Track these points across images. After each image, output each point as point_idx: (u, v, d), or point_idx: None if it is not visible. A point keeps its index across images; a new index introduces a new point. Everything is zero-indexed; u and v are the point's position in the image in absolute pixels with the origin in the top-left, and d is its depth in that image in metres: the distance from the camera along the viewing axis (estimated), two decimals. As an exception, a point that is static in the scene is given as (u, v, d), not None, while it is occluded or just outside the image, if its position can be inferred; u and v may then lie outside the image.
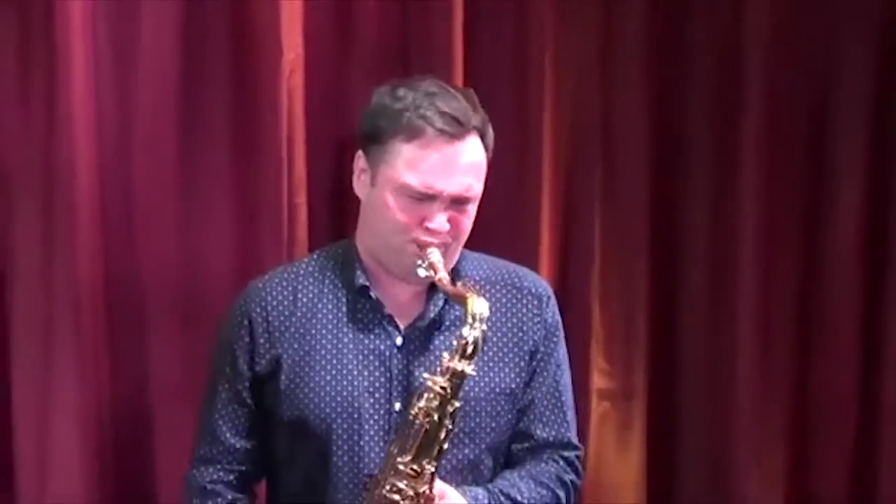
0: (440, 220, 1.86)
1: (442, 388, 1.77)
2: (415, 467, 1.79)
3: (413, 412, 1.79)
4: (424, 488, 1.80)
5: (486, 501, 1.90)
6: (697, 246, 2.69)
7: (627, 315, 2.65)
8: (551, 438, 2.02)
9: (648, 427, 2.67)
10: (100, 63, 2.35)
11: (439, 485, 1.83)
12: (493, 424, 1.95)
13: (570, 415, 2.07)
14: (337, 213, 2.46)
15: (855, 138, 2.62)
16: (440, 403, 1.78)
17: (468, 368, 1.78)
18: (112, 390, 2.42)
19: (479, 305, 1.78)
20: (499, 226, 2.45)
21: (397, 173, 1.86)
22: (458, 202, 1.88)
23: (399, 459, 1.80)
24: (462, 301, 1.80)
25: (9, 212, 2.35)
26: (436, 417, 1.78)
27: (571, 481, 2.04)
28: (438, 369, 1.79)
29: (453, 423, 1.80)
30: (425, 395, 1.78)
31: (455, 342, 1.79)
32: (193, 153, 2.42)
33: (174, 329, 2.43)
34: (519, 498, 1.94)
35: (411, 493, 1.80)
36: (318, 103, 2.44)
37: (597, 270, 2.62)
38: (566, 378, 2.07)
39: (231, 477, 1.98)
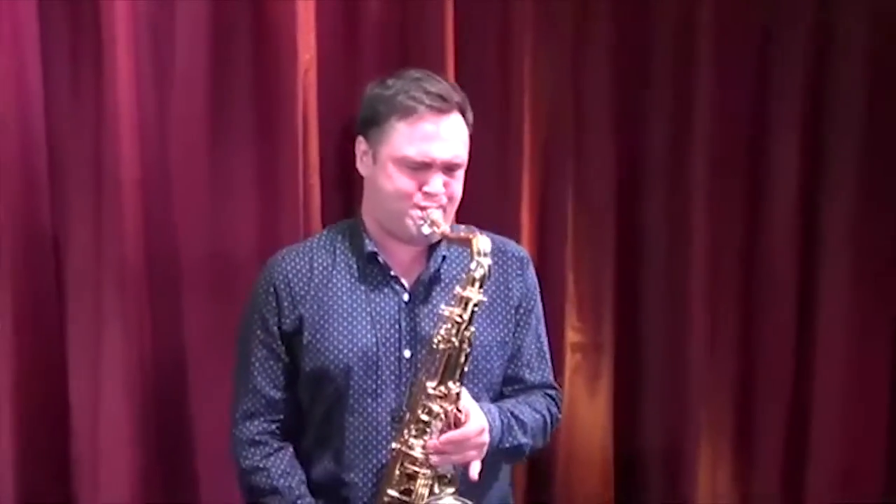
0: (436, 184, 2.06)
1: (459, 316, 1.96)
2: (443, 389, 1.96)
3: (435, 341, 1.97)
4: (453, 407, 1.97)
5: (496, 414, 2.07)
6: (656, 222, 2.86)
7: (596, 280, 2.82)
8: (537, 381, 2.23)
9: (615, 376, 2.85)
10: (141, 65, 2.50)
11: (465, 402, 1.99)
12: (489, 367, 2.14)
13: (550, 361, 2.29)
14: (345, 193, 2.61)
15: (789, 130, 2.79)
16: (458, 330, 1.96)
17: (478, 296, 1.96)
18: (153, 344, 2.57)
19: (482, 243, 1.98)
20: (485, 208, 2.62)
21: (396, 148, 2.06)
22: (449, 169, 2.08)
23: (429, 384, 1.97)
24: (467, 242, 1.99)
25: (64, 191, 2.52)
26: (456, 343, 1.96)
27: (555, 413, 2.25)
28: (453, 301, 1.97)
29: (471, 346, 1.97)
30: (444, 326, 1.96)
31: (465, 275, 1.97)
32: (223, 141, 2.57)
33: (206, 292, 2.58)
34: (521, 417, 2.13)
35: (442, 412, 1.97)
36: (329, 97, 2.60)
37: (570, 243, 2.79)
38: (544, 330, 2.27)
39: (274, 427, 2.14)
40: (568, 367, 2.82)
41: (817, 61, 2.78)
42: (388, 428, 2.09)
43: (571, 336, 2.84)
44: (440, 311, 2.00)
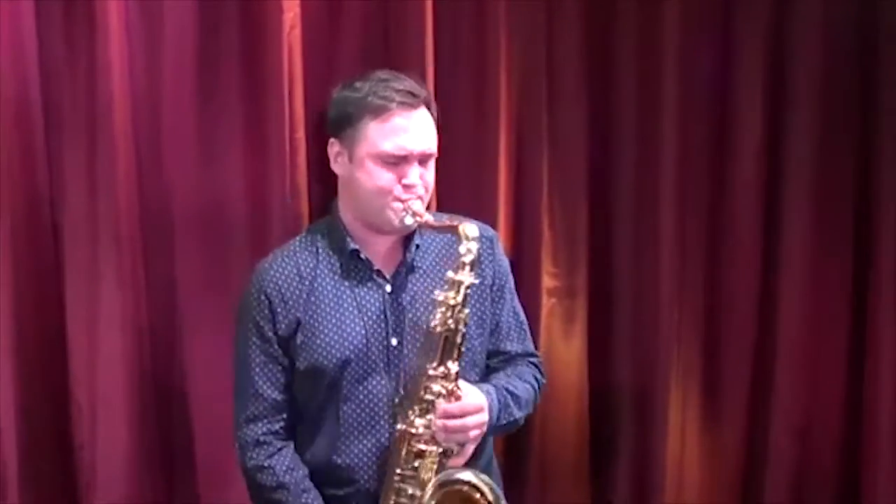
0: (414, 175, 2.10)
1: (453, 299, 2.02)
2: (442, 369, 2.02)
3: (432, 325, 2.03)
4: (452, 385, 2.03)
5: (494, 394, 2.13)
6: (627, 171, 2.95)
7: (570, 228, 2.91)
8: (519, 351, 2.29)
9: (589, 320, 2.95)
10: (132, 22, 2.58)
11: (462, 384, 2.05)
12: (469, 345, 2.14)
13: (528, 331, 2.34)
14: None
15: (753, 80, 2.89)
16: (453, 313, 2.02)
17: (470, 278, 2.02)
18: (147, 291, 2.67)
19: (469, 229, 2.03)
20: (466, 162, 2.75)
21: (372, 146, 2.09)
22: (423, 160, 2.12)
23: (429, 366, 2.03)
24: (454, 229, 2.04)
25: (59, 148, 2.60)
26: (452, 325, 2.02)
27: (541, 381, 2.31)
28: (446, 286, 2.03)
29: (466, 326, 2.04)
30: (440, 310, 2.03)
31: (456, 260, 2.02)
32: (211, 96, 2.63)
33: (197, 241, 2.67)
34: (516, 392, 2.19)
35: (443, 391, 2.02)
36: (313, 54, 2.67)
37: (545, 193, 2.88)
38: (518, 303, 2.32)
39: (277, 427, 2.16)
40: (544, 311, 2.91)
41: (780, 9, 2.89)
42: (381, 412, 2.14)
43: (547, 281, 2.92)
44: (433, 296, 2.05)
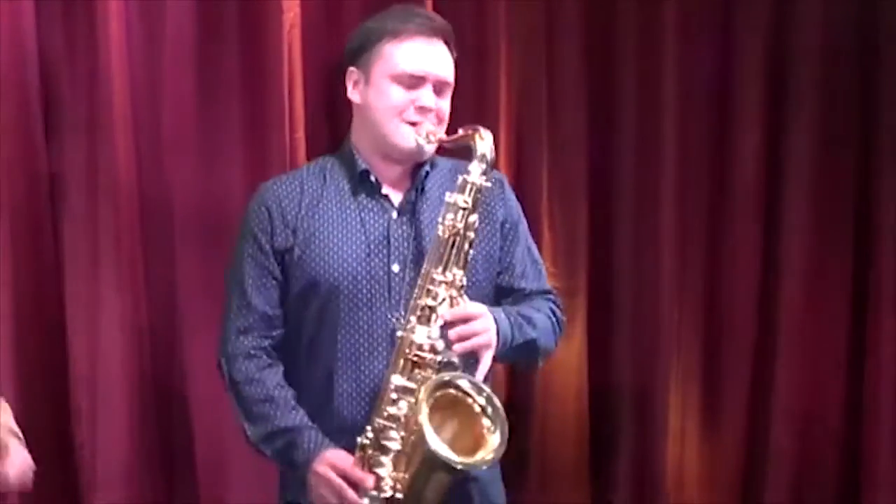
0: (429, 98, 2.10)
1: (465, 201, 2.00)
2: (448, 275, 1.99)
3: (441, 229, 2.00)
4: (457, 293, 1.99)
5: (502, 313, 2.07)
6: (626, 174, 2.96)
7: (570, 229, 2.92)
8: (535, 288, 2.25)
9: (588, 319, 2.94)
10: (131, 21, 2.59)
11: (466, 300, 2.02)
12: (475, 280, 2.11)
13: (544, 271, 2.32)
14: (330, 145, 2.55)
15: (753, 92, 2.91)
16: (463, 216, 1.99)
17: (480, 179, 2.00)
18: (147, 292, 2.67)
19: (485, 133, 2.02)
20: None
21: (390, 66, 2.10)
22: (439, 89, 2.12)
23: (434, 271, 1.99)
24: (470, 138, 2.03)
25: (59, 148, 2.61)
26: (461, 229, 1.99)
27: (559, 316, 2.26)
28: (457, 188, 2.01)
29: (475, 233, 2.01)
30: (449, 213, 2.00)
31: (472, 161, 2.00)
32: (211, 95, 2.63)
33: (197, 241, 2.66)
34: (527, 314, 2.15)
35: (445, 296, 1.98)
36: (313, 53, 2.67)
37: (545, 195, 2.88)
38: (533, 243, 2.32)
39: (267, 343, 2.14)
40: (544, 312, 2.91)
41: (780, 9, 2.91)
42: (379, 342, 2.11)
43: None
44: (435, 223, 2.04)
